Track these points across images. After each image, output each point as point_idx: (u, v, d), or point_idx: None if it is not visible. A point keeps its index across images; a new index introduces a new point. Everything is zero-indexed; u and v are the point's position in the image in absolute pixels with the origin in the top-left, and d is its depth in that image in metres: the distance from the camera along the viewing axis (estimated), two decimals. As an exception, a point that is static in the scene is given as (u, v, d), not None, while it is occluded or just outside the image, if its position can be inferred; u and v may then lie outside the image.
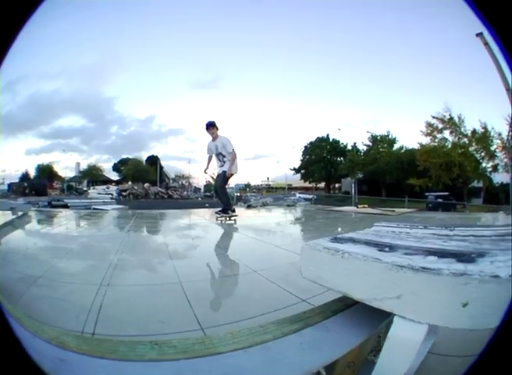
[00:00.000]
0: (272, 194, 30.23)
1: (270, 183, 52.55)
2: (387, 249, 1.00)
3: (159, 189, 39.22)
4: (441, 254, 0.96)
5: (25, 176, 47.03)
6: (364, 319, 1.00)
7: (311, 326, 0.96)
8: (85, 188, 44.00)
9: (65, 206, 13.48)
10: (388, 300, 0.86)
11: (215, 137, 7.24)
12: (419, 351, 1.38)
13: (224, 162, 7.13)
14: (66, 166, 49.86)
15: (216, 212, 7.29)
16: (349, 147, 42.87)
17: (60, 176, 48.00)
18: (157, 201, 32.03)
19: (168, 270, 2.88)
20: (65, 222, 7.78)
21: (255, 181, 54.28)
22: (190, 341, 0.86)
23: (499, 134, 27.69)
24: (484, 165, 30.18)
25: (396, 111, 59.73)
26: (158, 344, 0.84)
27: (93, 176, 49.71)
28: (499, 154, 28.40)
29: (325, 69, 61.43)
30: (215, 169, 7.57)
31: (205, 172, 7.81)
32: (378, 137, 38.06)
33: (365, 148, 39.37)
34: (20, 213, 6.77)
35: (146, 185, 38.94)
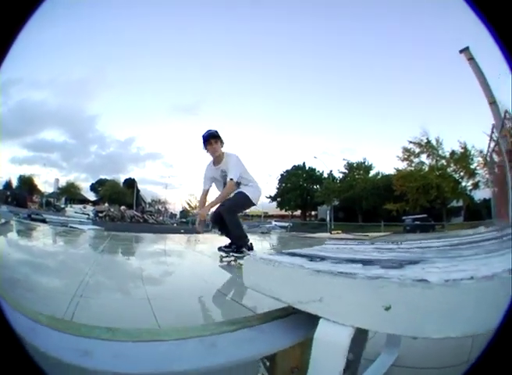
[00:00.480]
0: (247, 222, 30.26)
1: (246, 210, 52.10)
2: (318, 259, 1.11)
3: (135, 213, 38.73)
4: (369, 262, 1.03)
5: (8, 185, 45.96)
6: (301, 324, 1.05)
7: (249, 328, 1.04)
8: (63, 205, 43.34)
9: (44, 221, 13.55)
10: (312, 303, 0.93)
11: (218, 158, 4.72)
12: (384, 363, 1.47)
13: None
14: (46, 180, 49.19)
15: (221, 249, 4.73)
16: (325, 175, 43.54)
17: (40, 191, 47.31)
18: (133, 224, 31.60)
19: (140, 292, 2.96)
20: (44, 236, 7.85)
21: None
22: (139, 331, 0.97)
23: (481, 152, 27.82)
24: (464, 184, 30.79)
25: (373, 137, 61.12)
26: (112, 330, 0.94)
27: (70, 193, 49.15)
28: (480, 171, 28.69)
29: (302, 98, 62.60)
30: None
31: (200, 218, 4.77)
32: (355, 165, 39.07)
33: (341, 175, 40.13)
34: (3, 220, 6.80)
35: (122, 208, 38.55)
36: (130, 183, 50.45)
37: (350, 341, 0.87)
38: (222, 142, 4.72)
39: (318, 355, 0.92)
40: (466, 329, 0.75)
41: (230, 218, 4.45)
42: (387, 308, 0.79)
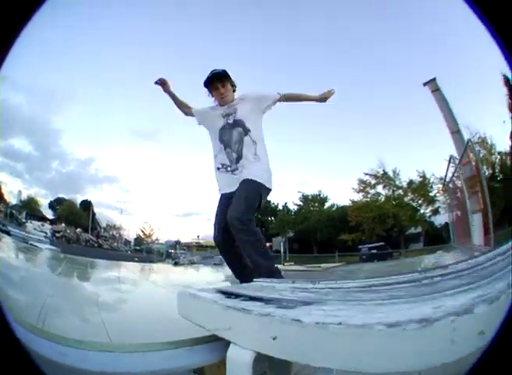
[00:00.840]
0: (202, 253, 30.32)
1: (201, 241, 50.49)
2: (232, 296, 1.43)
3: (90, 237, 37.51)
4: (270, 301, 1.32)
5: (-21, 189, 43.40)
6: (223, 347, 1.28)
7: (183, 347, 1.38)
8: (23, 220, 41.52)
9: (8, 233, 13.37)
10: (225, 331, 1.23)
11: (224, 98, 3.04)
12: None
13: (245, 157, 2.89)
14: (11, 190, 46.91)
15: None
16: (280, 207, 43.34)
17: (5, 200, 44.99)
18: (88, 248, 30.91)
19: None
20: (9, 250, 7.98)
21: (185, 239, 51.82)
22: (97, 344, 1.36)
23: (441, 179, 26.33)
24: (422, 211, 30.67)
25: (329, 170, 61.27)
26: (80, 341, 1.33)
27: (31, 209, 46.97)
28: (440, 197, 27.97)
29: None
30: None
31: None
32: (310, 197, 38.87)
33: (296, 207, 39.92)
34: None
35: (78, 230, 37.27)
36: (87, 205, 48.45)
37: (252, 362, 1.10)
38: (233, 85, 3.11)
39: (230, 372, 1.16)
40: (345, 364, 0.88)
41: (249, 237, 2.50)
42: (274, 339, 1.02)
